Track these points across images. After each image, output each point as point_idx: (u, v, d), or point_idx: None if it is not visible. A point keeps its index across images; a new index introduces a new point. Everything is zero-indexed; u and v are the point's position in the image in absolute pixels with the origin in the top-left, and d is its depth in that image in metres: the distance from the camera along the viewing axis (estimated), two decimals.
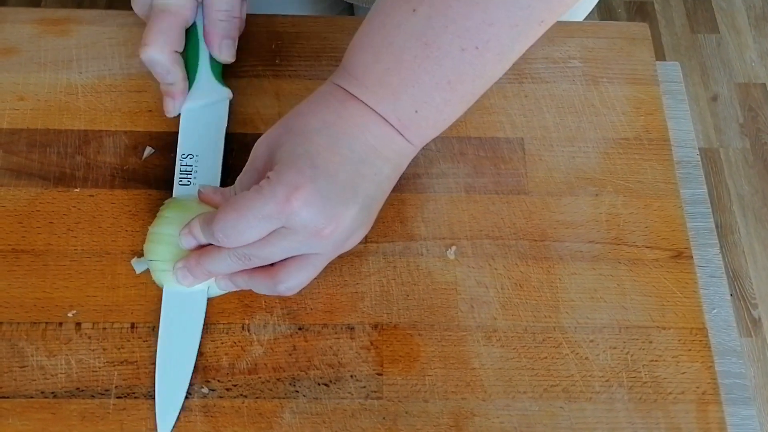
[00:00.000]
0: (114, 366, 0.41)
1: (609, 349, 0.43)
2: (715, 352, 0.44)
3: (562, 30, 0.54)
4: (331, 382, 0.42)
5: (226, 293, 0.44)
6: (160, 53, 0.46)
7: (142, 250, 0.44)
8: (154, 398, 0.41)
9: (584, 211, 0.47)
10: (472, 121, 0.50)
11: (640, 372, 0.42)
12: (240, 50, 0.52)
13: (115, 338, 0.42)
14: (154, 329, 0.43)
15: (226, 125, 0.48)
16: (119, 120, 0.49)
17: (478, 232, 0.46)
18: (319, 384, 0.41)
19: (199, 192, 0.44)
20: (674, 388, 0.42)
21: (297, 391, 0.41)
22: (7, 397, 0.41)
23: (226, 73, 0.51)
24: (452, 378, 0.42)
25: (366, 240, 0.46)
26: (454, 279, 0.45)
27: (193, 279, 0.42)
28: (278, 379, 0.42)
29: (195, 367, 0.42)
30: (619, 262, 0.46)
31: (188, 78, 0.48)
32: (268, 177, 0.40)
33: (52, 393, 0.41)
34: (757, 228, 1.31)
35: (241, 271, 0.42)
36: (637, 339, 0.43)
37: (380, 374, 0.42)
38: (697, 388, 0.42)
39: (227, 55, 0.49)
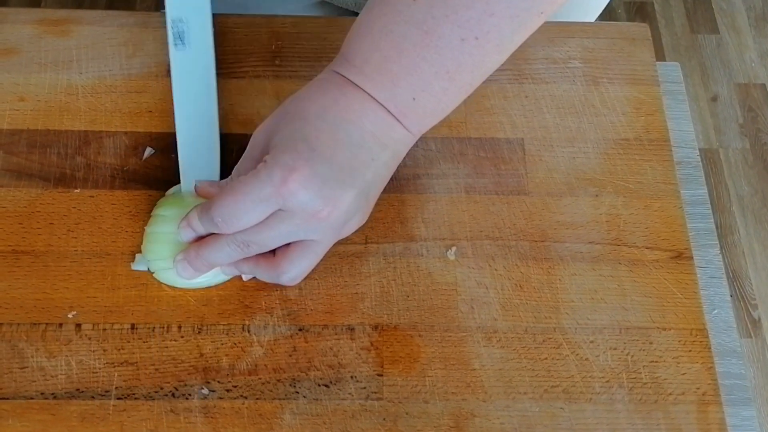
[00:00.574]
0: (114, 367, 0.41)
1: (609, 350, 0.43)
2: (715, 353, 0.44)
3: (562, 30, 0.54)
4: (331, 383, 0.42)
5: (228, 280, 0.44)
6: None
7: (140, 249, 0.44)
8: (154, 399, 0.41)
9: (584, 212, 0.47)
10: (472, 121, 0.50)
11: (641, 373, 0.42)
12: (240, 51, 0.52)
13: (116, 339, 0.42)
14: (155, 330, 0.43)
15: None
16: (119, 120, 0.49)
17: (479, 232, 0.46)
18: (319, 385, 0.41)
19: (196, 186, 0.44)
20: (674, 389, 0.42)
21: (297, 392, 0.41)
22: (7, 398, 0.41)
23: (226, 73, 0.51)
24: (452, 379, 0.42)
25: (366, 240, 0.46)
26: (454, 280, 0.45)
27: (193, 271, 0.42)
28: (278, 380, 0.41)
29: (195, 367, 0.42)
30: (620, 263, 0.46)
31: None
32: (264, 161, 0.40)
33: (52, 394, 0.41)
34: (756, 228, 1.31)
35: (245, 259, 0.42)
36: (638, 340, 0.43)
37: (380, 375, 0.42)
38: (698, 389, 0.42)
39: None
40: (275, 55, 0.52)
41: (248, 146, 0.43)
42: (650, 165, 0.49)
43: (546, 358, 0.43)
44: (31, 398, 0.41)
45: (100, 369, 0.41)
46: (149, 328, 0.43)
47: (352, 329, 0.43)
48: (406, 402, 0.41)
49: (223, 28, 0.53)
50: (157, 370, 0.41)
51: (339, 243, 0.45)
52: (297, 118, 0.41)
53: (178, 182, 0.46)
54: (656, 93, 0.52)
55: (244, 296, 0.44)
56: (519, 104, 0.51)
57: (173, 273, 0.43)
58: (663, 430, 0.41)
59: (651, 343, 0.43)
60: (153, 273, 0.44)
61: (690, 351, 0.43)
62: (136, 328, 0.43)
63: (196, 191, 0.44)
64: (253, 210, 0.39)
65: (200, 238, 0.43)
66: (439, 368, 0.42)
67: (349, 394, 0.41)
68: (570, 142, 0.50)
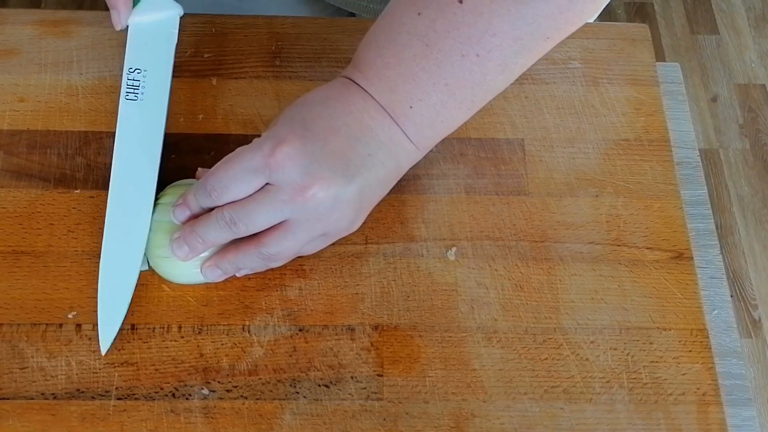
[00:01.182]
0: (114, 367, 0.41)
1: (609, 350, 0.43)
2: (715, 353, 0.44)
3: None
4: (331, 383, 0.42)
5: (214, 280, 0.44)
6: None
7: None
8: (154, 400, 0.41)
9: (584, 212, 0.47)
10: (472, 122, 0.50)
11: (641, 373, 0.42)
12: (240, 51, 0.52)
13: (116, 339, 0.42)
14: (155, 330, 0.43)
15: (176, 41, 0.48)
16: None
17: (479, 233, 0.46)
18: (319, 385, 0.41)
19: (197, 173, 0.45)
20: (675, 389, 0.42)
21: (297, 393, 0.41)
22: (8, 399, 0.41)
23: (226, 74, 0.51)
24: (453, 379, 0.42)
25: (366, 241, 0.46)
26: (454, 280, 0.45)
27: (188, 249, 0.42)
28: (278, 381, 0.41)
29: (195, 368, 0.42)
30: (620, 263, 0.46)
31: None
32: (260, 135, 0.41)
33: (53, 394, 0.41)
34: (757, 229, 1.31)
35: (229, 249, 0.42)
36: (638, 340, 0.43)
37: (381, 375, 0.42)
38: (698, 389, 0.42)
39: None
40: (275, 56, 0.52)
41: None
42: (650, 165, 0.49)
43: (546, 359, 0.43)
44: (32, 398, 0.41)
45: (100, 369, 0.41)
46: (149, 328, 0.43)
47: (353, 329, 0.43)
48: (407, 402, 0.41)
49: (223, 29, 0.53)
50: (157, 370, 0.41)
51: (339, 243, 0.45)
52: (300, 103, 0.42)
53: (125, 97, 0.46)
54: (656, 93, 0.52)
55: (245, 296, 0.44)
56: (519, 105, 0.51)
57: (171, 263, 0.43)
58: (663, 430, 0.41)
59: (651, 343, 0.43)
60: (152, 267, 0.44)
61: (690, 351, 0.43)
62: (137, 329, 0.43)
63: (196, 177, 0.45)
64: (242, 179, 0.40)
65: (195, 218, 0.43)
66: (439, 368, 0.42)
67: (350, 394, 0.41)
68: (570, 143, 0.50)
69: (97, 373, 0.41)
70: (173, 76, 0.48)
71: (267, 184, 0.41)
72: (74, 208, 0.46)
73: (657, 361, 0.43)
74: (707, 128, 1.40)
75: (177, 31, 0.49)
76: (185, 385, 0.41)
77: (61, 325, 0.42)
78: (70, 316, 0.43)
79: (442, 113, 0.42)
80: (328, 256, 0.45)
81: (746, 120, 1.41)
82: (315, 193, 0.40)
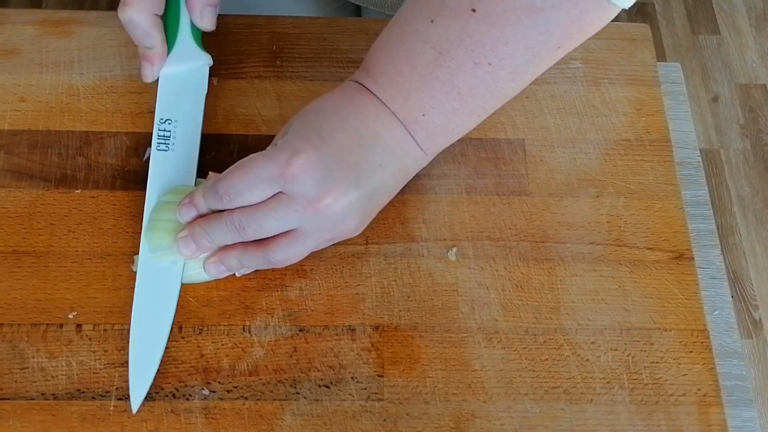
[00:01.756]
0: (115, 368, 0.41)
1: (610, 350, 0.43)
2: (716, 354, 0.43)
3: None
4: (331, 383, 0.42)
5: (214, 279, 0.44)
6: (138, 14, 0.45)
7: (139, 251, 0.44)
8: (155, 400, 0.41)
9: (585, 213, 0.47)
10: None
11: (642, 374, 0.42)
12: (241, 51, 0.52)
13: (116, 340, 0.42)
14: None
15: (206, 91, 0.49)
16: (120, 121, 0.49)
17: (479, 233, 0.46)
18: (319, 386, 0.41)
19: (210, 179, 0.45)
20: (675, 390, 0.42)
21: (298, 393, 0.41)
22: (8, 399, 0.41)
23: (226, 74, 0.51)
24: (453, 380, 0.42)
25: (367, 241, 0.46)
26: (455, 280, 0.45)
27: (195, 247, 0.42)
28: (279, 381, 0.41)
29: (195, 368, 0.42)
30: (620, 264, 0.45)
31: (167, 42, 0.48)
32: (275, 143, 0.41)
33: (53, 395, 0.41)
34: (757, 229, 1.31)
35: (235, 246, 0.42)
36: (638, 341, 0.43)
37: (381, 376, 0.42)
38: (699, 390, 0.42)
39: (208, 23, 0.49)
40: (276, 56, 0.52)
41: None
42: (651, 165, 0.49)
43: (547, 359, 0.43)
44: (32, 399, 0.41)
45: (100, 369, 0.41)
46: None
47: (353, 330, 0.43)
48: (407, 403, 0.41)
49: (223, 28, 0.53)
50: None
51: (339, 243, 0.45)
52: (314, 112, 0.42)
53: (156, 147, 0.46)
54: (657, 93, 0.52)
55: (245, 297, 0.44)
56: (520, 105, 0.51)
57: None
58: (664, 431, 0.41)
59: (652, 344, 0.43)
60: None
61: (691, 352, 0.43)
62: None
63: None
64: (256, 187, 0.40)
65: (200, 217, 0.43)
66: (439, 369, 0.42)
67: (350, 394, 0.41)
68: (571, 143, 0.50)
69: (97, 373, 0.41)
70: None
71: (280, 192, 0.41)
72: (75, 208, 0.46)
73: (658, 362, 0.43)
74: (708, 128, 1.40)
75: (206, 80, 0.49)
76: (185, 386, 0.41)
77: (61, 326, 0.42)
78: (70, 316, 0.43)
79: (454, 120, 0.42)
80: (328, 257, 0.45)
81: (747, 120, 1.41)
82: (329, 204, 0.40)
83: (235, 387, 0.41)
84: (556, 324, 0.43)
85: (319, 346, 0.42)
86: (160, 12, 0.47)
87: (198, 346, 0.42)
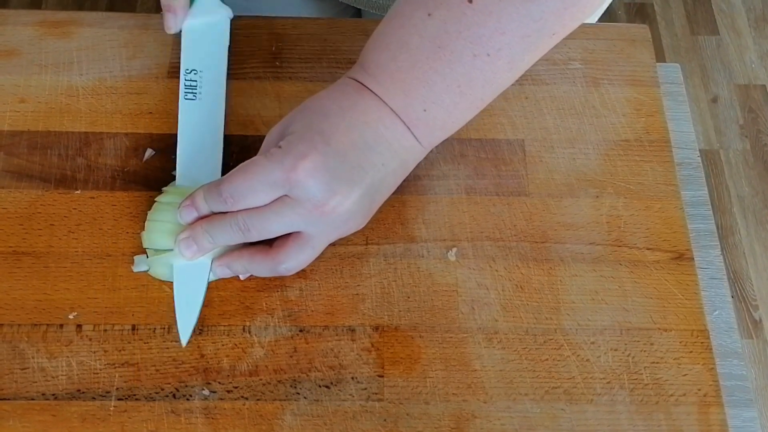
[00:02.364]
0: (115, 368, 0.41)
1: (610, 350, 0.43)
2: (716, 354, 0.44)
3: None
4: (332, 384, 0.42)
5: (215, 280, 0.44)
6: None
7: (139, 251, 0.44)
8: (155, 400, 0.41)
9: (585, 213, 0.47)
10: (472, 122, 0.50)
11: (642, 374, 0.42)
12: (241, 52, 0.52)
13: (116, 340, 0.42)
14: (155, 331, 0.43)
15: (228, 43, 0.50)
16: (120, 122, 0.49)
17: (479, 233, 0.46)
18: (320, 386, 0.41)
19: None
20: (676, 390, 0.42)
21: (298, 393, 0.41)
22: (8, 399, 0.41)
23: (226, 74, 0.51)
24: (453, 380, 0.42)
25: (367, 242, 0.46)
26: (454, 281, 0.45)
27: (197, 248, 0.42)
28: (279, 381, 0.41)
29: (196, 368, 0.42)
30: (620, 264, 0.45)
31: None
32: (279, 145, 0.41)
33: (53, 395, 0.41)
34: (757, 229, 1.31)
35: (242, 254, 0.42)
36: (639, 341, 0.43)
37: (381, 376, 0.42)
38: (699, 390, 0.42)
39: None
40: (276, 57, 0.52)
41: (263, 145, 0.43)
42: (651, 166, 0.49)
43: (547, 359, 0.43)
44: (32, 399, 0.41)
45: (101, 370, 0.41)
46: (150, 329, 0.43)
47: (353, 330, 0.43)
48: (407, 403, 0.41)
49: None
50: (157, 371, 0.41)
51: (339, 244, 0.45)
52: (315, 113, 0.42)
53: (184, 97, 0.48)
54: (656, 94, 0.52)
55: (245, 297, 0.44)
56: (519, 105, 0.51)
57: (168, 264, 0.43)
58: (664, 431, 0.41)
59: (652, 344, 0.43)
60: (148, 269, 0.44)
61: (691, 352, 0.43)
62: (137, 329, 0.43)
63: None
64: (261, 191, 0.40)
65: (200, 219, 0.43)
66: (439, 369, 0.42)
67: (350, 395, 0.41)
68: (570, 143, 0.50)
69: (97, 373, 0.41)
70: (229, 77, 0.49)
71: (285, 195, 0.41)
72: (75, 209, 0.46)
73: (658, 362, 0.43)
74: (708, 129, 1.40)
75: (228, 32, 0.50)
76: (186, 386, 0.41)
77: (61, 326, 0.42)
78: (70, 316, 0.43)
79: (454, 114, 0.43)
80: (328, 257, 0.45)
81: (746, 121, 1.41)
82: (334, 207, 0.41)
83: (236, 387, 0.41)
84: (556, 324, 0.44)
85: (320, 347, 0.42)
86: None
87: (198, 347, 0.42)
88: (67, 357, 0.42)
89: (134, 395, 0.41)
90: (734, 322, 0.46)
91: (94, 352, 0.42)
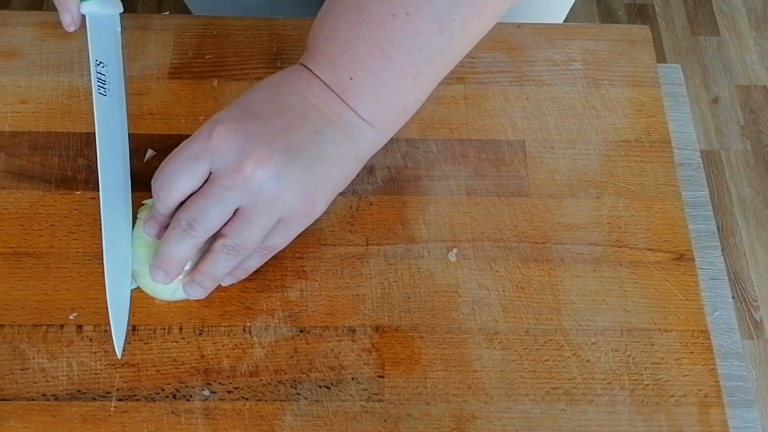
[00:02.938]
0: (115, 368, 0.41)
1: (611, 351, 0.43)
2: (717, 355, 0.43)
3: (562, 32, 0.54)
4: (332, 384, 0.42)
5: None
6: None
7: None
8: (155, 401, 0.41)
9: (585, 214, 0.47)
10: (473, 123, 0.50)
11: (642, 374, 0.42)
12: (241, 53, 0.52)
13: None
14: (156, 331, 0.43)
15: (120, 39, 0.50)
16: None
17: (480, 234, 0.46)
18: (320, 386, 0.41)
19: None
20: (676, 390, 0.42)
21: (298, 394, 0.41)
22: (8, 400, 0.41)
23: (227, 75, 0.51)
24: (454, 380, 0.42)
25: (367, 242, 0.46)
26: (455, 281, 0.45)
27: (164, 274, 0.41)
28: (279, 382, 0.41)
29: (196, 369, 0.42)
30: (621, 265, 0.45)
31: None
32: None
33: (54, 395, 0.41)
34: (758, 230, 1.31)
35: (200, 261, 0.41)
36: (639, 341, 0.43)
37: (381, 377, 0.42)
38: (699, 390, 0.42)
39: None
40: (276, 57, 0.52)
41: None
42: (651, 167, 0.49)
43: (547, 360, 0.43)
44: (33, 399, 0.41)
45: (101, 370, 0.41)
46: (150, 329, 0.43)
47: (353, 331, 0.43)
48: (408, 404, 0.41)
49: (224, 30, 0.53)
50: (158, 371, 0.41)
51: (340, 244, 0.45)
52: (246, 92, 0.42)
53: (97, 92, 0.47)
54: (657, 95, 0.52)
55: (246, 298, 0.44)
56: (520, 106, 0.51)
57: (153, 282, 0.42)
58: (665, 431, 0.41)
59: (653, 344, 0.43)
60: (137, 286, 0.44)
61: (692, 353, 0.43)
62: (137, 330, 0.43)
63: None
64: (186, 168, 0.39)
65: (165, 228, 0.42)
66: (440, 370, 0.42)
67: (350, 395, 0.41)
68: (571, 144, 0.50)
69: (98, 374, 0.41)
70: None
71: (210, 175, 0.40)
72: (75, 209, 0.46)
73: (658, 363, 0.43)
74: (708, 129, 1.40)
75: (119, 27, 0.50)
76: (186, 387, 0.41)
77: (62, 327, 0.42)
78: (71, 317, 0.43)
79: (385, 83, 0.40)
80: (329, 258, 0.45)
81: (747, 121, 1.41)
82: (252, 170, 0.39)
83: (236, 388, 0.41)
84: (556, 325, 0.43)
85: (320, 347, 0.42)
86: None
87: (198, 347, 0.42)
88: (68, 357, 0.42)
89: (134, 396, 0.41)
90: (735, 323, 0.46)
91: (95, 353, 0.42)
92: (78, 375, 0.41)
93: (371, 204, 0.47)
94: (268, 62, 0.52)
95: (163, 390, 0.41)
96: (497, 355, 0.43)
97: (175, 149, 0.41)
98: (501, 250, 0.46)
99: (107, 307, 0.42)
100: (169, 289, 0.43)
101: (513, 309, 0.44)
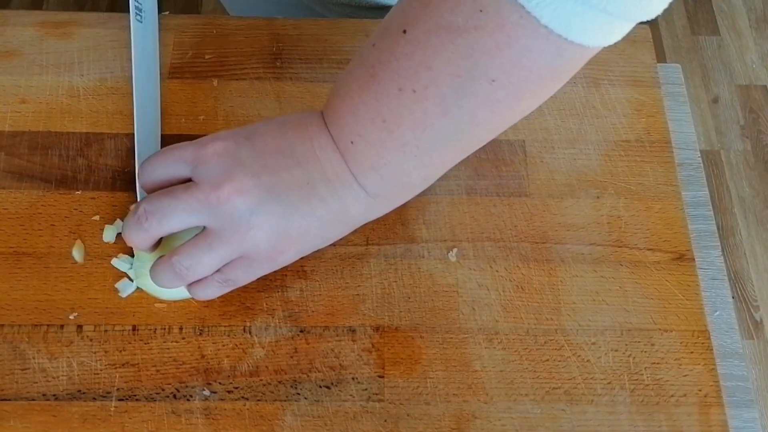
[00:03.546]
0: (115, 368, 0.41)
1: (611, 351, 0.43)
2: (717, 355, 0.43)
3: None
4: (332, 384, 0.42)
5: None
6: None
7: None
8: (155, 401, 0.41)
9: (585, 214, 0.47)
10: None
11: (642, 374, 0.42)
12: (241, 53, 0.52)
13: (117, 341, 0.42)
14: (156, 331, 0.43)
15: None
16: (121, 122, 0.49)
17: (480, 234, 0.46)
18: (320, 386, 0.41)
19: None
20: (676, 390, 0.42)
21: (298, 394, 0.41)
22: (9, 400, 0.41)
23: (227, 75, 0.51)
24: (454, 380, 0.42)
25: (367, 242, 0.46)
26: (455, 281, 0.45)
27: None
28: (279, 382, 0.41)
29: (196, 369, 0.42)
30: (621, 265, 0.45)
31: None
32: None
33: (54, 395, 0.41)
34: (758, 230, 1.31)
35: (155, 263, 0.41)
36: (639, 341, 0.43)
37: (381, 377, 0.42)
38: (699, 390, 0.42)
39: None
40: (276, 57, 0.52)
41: None
42: (651, 166, 0.49)
43: (547, 360, 0.43)
44: (33, 399, 0.41)
45: (101, 370, 0.41)
46: (150, 329, 0.43)
47: (354, 331, 0.43)
48: (408, 403, 0.41)
49: (224, 30, 0.53)
50: (158, 371, 0.41)
51: (340, 244, 0.45)
52: (261, 120, 0.42)
53: (135, 18, 0.50)
54: (657, 95, 0.52)
55: (246, 297, 0.44)
56: None
57: (149, 279, 0.42)
58: (665, 431, 0.41)
59: (653, 344, 0.43)
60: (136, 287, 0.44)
61: (692, 353, 0.43)
62: (138, 330, 0.43)
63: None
64: (168, 165, 0.40)
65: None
66: (440, 370, 0.42)
67: (350, 395, 0.41)
68: (571, 144, 0.50)
69: (98, 374, 0.41)
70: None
71: (189, 180, 0.40)
72: (75, 209, 0.46)
73: (658, 363, 0.43)
74: (708, 129, 1.40)
75: None
76: (186, 386, 0.41)
77: (62, 327, 0.42)
78: (71, 317, 0.43)
79: (383, 155, 0.39)
80: (329, 258, 0.45)
81: (747, 121, 1.41)
82: (228, 194, 0.38)
83: (236, 388, 0.41)
84: (556, 325, 0.43)
85: (320, 347, 0.42)
86: None
87: (199, 347, 0.42)
88: (68, 357, 0.42)
89: (135, 396, 0.41)
90: (735, 323, 0.46)
91: (95, 353, 0.42)
92: (78, 375, 0.41)
93: None
94: (268, 62, 0.52)
95: (163, 390, 0.41)
96: (497, 355, 0.43)
97: (174, 144, 0.42)
98: (501, 250, 0.46)
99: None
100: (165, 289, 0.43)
101: (513, 309, 0.44)
